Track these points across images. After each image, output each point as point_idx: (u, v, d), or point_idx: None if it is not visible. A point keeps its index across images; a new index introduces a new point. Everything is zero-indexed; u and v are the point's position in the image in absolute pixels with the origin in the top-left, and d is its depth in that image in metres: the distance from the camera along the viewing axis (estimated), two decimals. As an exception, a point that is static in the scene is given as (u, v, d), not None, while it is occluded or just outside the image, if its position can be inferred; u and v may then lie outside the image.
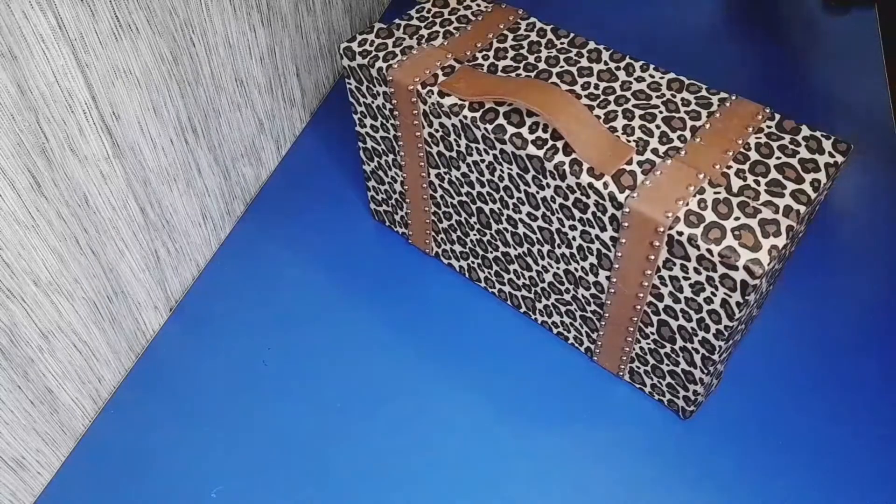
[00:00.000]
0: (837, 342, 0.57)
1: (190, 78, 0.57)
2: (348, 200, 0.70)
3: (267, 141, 0.71)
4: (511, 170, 0.49)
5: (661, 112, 0.48)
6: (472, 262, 0.60)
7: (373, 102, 0.55)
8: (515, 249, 0.54)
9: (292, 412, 0.54)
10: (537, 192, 0.48)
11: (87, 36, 0.46)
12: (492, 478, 0.50)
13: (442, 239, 0.61)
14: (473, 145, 0.50)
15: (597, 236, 0.47)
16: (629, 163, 0.45)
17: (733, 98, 0.48)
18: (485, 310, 0.60)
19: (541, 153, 0.46)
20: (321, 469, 0.51)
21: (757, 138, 0.46)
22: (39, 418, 0.49)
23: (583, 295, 0.52)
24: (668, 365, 0.50)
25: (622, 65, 0.51)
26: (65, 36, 0.44)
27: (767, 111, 0.47)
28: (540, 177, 0.47)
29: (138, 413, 0.55)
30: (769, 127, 0.47)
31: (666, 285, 0.45)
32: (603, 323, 0.52)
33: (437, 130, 0.52)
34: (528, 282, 0.56)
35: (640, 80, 0.50)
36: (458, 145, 0.51)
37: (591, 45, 0.53)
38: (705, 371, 0.48)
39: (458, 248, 0.60)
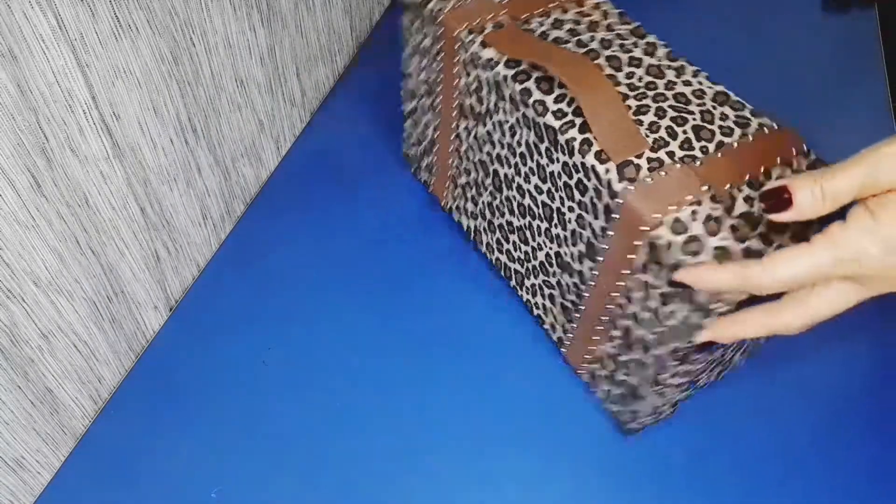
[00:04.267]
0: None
1: (190, 78, 0.57)
2: (349, 200, 0.70)
3: (267, 141, 0.71)
4: (529, 136, 0.48)
5: (694, 119, 0.46)
6: (480, 224, 0.60)
7: (421, 42, 0.55)
8: (518, 220, 0.54)
9: (292, 412, 0.54)
10: (547, 165, 0.48)
11: (87, 36, 0.46)
12: (492, 476, 0.50)
13: (458, 194, 0.61)
14: (501, 104, 0.49)
15: (590, 223, 0.46)
16: (639, 156, 0.44)
17: (774, 126, 0.46)
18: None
19: (557, 124, 0.45)
20: (321, 469, 0.51)
21: (782, 171, 0.44)
22: (39, 418, 0.49)
23: (566, 282, 0.51)
24: (622, 375, 0.49)
25: (675, 65, 0.49)
26: (65, 36, 0.44)
27: (804, 147, 0.45)
28: (552, 149, 0.47)
29: (138, 413, 0.55)
30: (799, 164, 0.44)
31: (640, 289, 0.44)
32: (577, 315, 0.51)
33: (472, 82, 0.51)
34: (522, 256, 0.55)
35: (686, 83, 0.48)
36: (488, 101, 0.51)
37: (652, 38, 0.51)
38: (654, 389, 0.47)
39: (470, 206, 0.60)
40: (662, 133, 0.45)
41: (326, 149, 0.76)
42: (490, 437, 0.52)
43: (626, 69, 0.48)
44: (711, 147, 0.44)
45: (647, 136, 0.45)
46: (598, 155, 0.44)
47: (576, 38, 0.50)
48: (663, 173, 0.43)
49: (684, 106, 0.46)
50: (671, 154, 0.44)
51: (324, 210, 0.69)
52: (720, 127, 0.45)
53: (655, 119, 0.45)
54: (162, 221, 0.58)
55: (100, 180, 0.50)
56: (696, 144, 0.44)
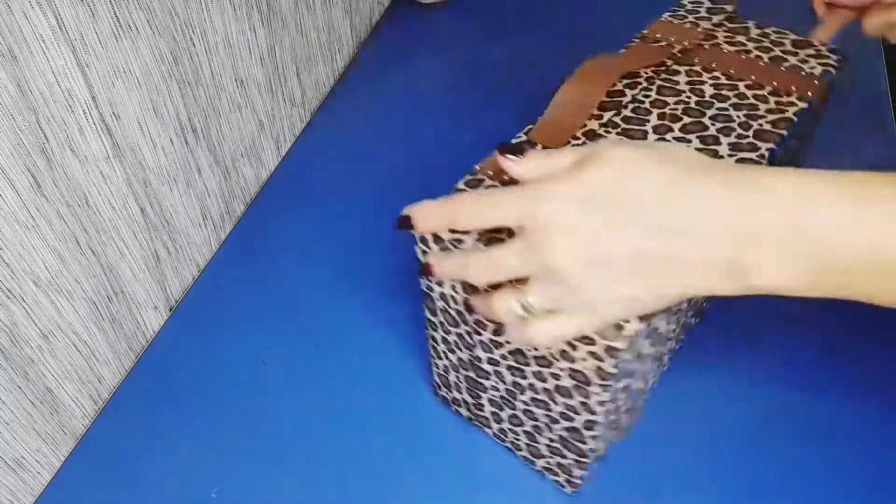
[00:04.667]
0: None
1: (190, 78, 0.57)
2: (349, 200, 0.70)
3: (267, 141, 0.71)
4: None
5: None
6: None
7: None
8: None
9: (292, 412, 0.54)
10: None
11: (87, 36, 0.46)
12: (492, 476, 0.50)
13: None
14: None
15: None
16: (545, 147, 0.44)
17: None
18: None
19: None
20: (321, 469, 0.51)
21: None
22: (39, 418, 0.49)
23: None
24: None
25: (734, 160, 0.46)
26: (65, 36, 0.44)
27: None
28: None
29: (138, 413, 0.55)
30: None
31: None
32: None
33: None
34: None
35: None
36: None
37: (763, 148, 0.45)
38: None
39: None
40: None
41: (326, 149, 0.76)
42: (490, 438, 0.52)
43: (689, 137, 0.46)
44: None
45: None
46: (529, 131, 0.46)
47: (693, 101, 0.48)
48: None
49: None
50: None
51: (324, 210, 0.69)
52: None
53: None
54: (162, 222, 0.58)
55: (100, 180, 0.50)
56: None
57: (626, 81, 0.50)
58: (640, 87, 0.50)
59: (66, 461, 0.52)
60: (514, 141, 0.44)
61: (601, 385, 0.38)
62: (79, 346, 0.52)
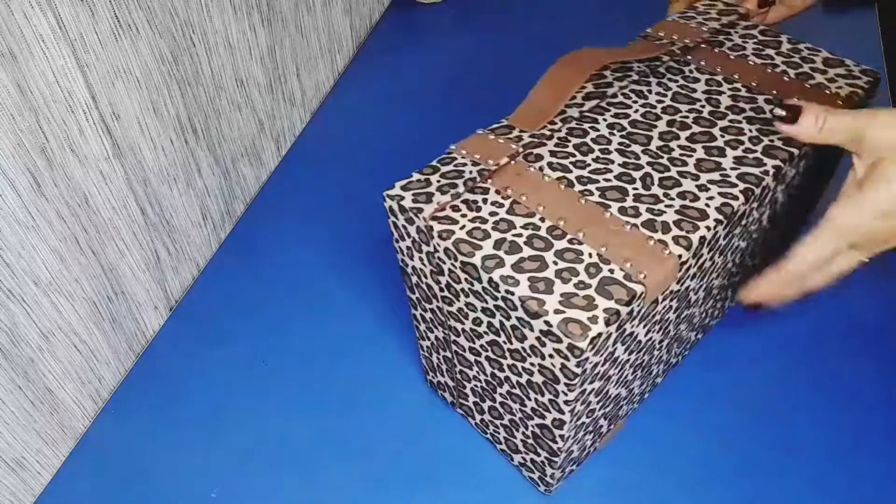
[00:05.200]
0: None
1: (190, 78, 0.57)
2: (349, 200, 0.70)
3: (267, 141, 0.71)
4: None
5: (635, 178, 0.43)
6: None
7: None
8: None
9: (292, 412, 0.54)
10: None
11: (87, 36, 0.46)
12: (492, 475, 0.50)
13: None
14: None
15: None
16: (526, 128, 0.46)
17: (661, 252, 0.40)
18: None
19: None
20: (321, 469, 0.51)
21: None
22: (39, 418, 0.49)
23: None
24: None
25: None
26: (65, 36, 0.44)
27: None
28: None
29: (138, 413, 0.55)
30: None
31: None
32: None
33: None
34: None
35: (695, 173, 0.44)
36: None
37: (765, 165, 0.44)
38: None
39: None
40: (605, 186, 0.43)
41: (326, 149, 0.76)
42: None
43: (695, 147, 0.45)
44: (570, 176, 0.43)
45: (575, 145, 0.45)
46: (510, 117, 0.47)
47: (726, 107, 0.48)
48: (502, 140, 0.45)
49: (634, 160, 0.44)
50: (565, 181, 0.43)
51: (324, 210, 0.69)
52: (618, 178, 0.43)
53: (617, 156, 0.45)
54: (162, 222, 0.58)
55: (100, 180, 0.50)
56: (579, 174, 0.43)
57: (617, 74, 0.51)
58: (629, 79, 0.50)
59: (66, 461, 0.52)
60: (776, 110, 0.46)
61: (567, 384, 0.38)
62: (79, 347, 0.52)
